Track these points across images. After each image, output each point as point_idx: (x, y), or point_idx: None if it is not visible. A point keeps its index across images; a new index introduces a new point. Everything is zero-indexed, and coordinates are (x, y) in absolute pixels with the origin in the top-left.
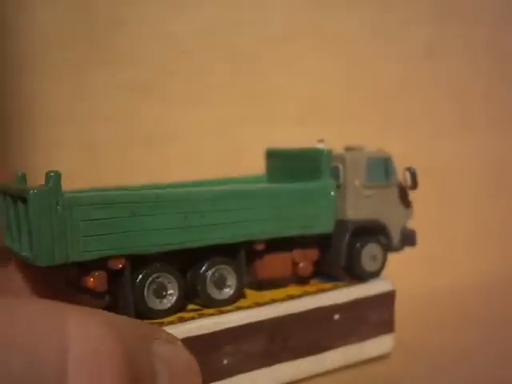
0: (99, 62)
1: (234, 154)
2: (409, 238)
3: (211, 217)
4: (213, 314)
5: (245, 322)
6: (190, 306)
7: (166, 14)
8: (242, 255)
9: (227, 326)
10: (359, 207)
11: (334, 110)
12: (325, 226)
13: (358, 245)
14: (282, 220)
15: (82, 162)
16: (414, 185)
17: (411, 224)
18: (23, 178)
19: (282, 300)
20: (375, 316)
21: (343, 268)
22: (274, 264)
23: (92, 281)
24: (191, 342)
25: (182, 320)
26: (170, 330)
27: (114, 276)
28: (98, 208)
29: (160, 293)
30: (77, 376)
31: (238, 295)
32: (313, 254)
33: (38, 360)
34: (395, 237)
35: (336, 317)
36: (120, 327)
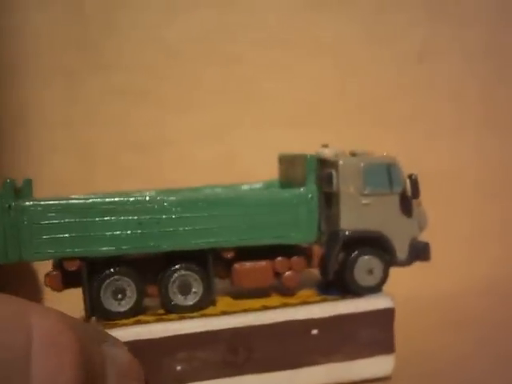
0: (93, 66)
1: (227, 158)
2: (420, 252)
3: (168, 224)
4: (172, 320)
5: (201, 329)
6: (159, 311)
7: (159, 18)
8: (209, 263)
9: (180, 332)
10: (355, 216)
11: (328, 114)
12: (304, 236)
13: (351, 257)
14: (252, 229)
15: (75, 167)
16: (416, 193)
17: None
18: (29, 184)
19: (252, 310)
20: (367, 334)
21: (332, 281)
22: (252, 273)
23: (48, 280)
24: (140, 345)
25: (138, 323)
26: (119, 331)
27: (73, 276)
28: (50, 213)
29: (117, 295)
30: (39, 364)
31: (206, 303)
32: (298, 263)
33: (4, 348)
34: (401, 250)
35: (314, 332)
36: (74, 326)
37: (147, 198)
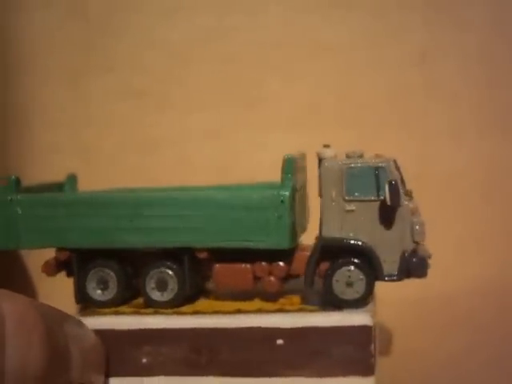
0: (94, 67)
1: (227, 159)
2: (413, 267)
3: (140, 221)
4: (146, 314)
5: (167, 326)
6: (139, 305)
7: (160, 20)
8: (184, 261)
9: (148, 326)
10: (337, 224)
11: (328, 116)
12: (275, 241)
13: (330, 267)
14: (220, 230)
15: (77, 167)
16: (393, 200)
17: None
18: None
19: (223, 313)
20: (340, 351)
21: (308, 291)
22: (231, 275)
23: (43, 266)
24: (112, 335)
25: (116, 313)
26: (96, 319)
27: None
28: (42, 207)
29: (100, 285)
30: (12, 343)
31: (180, 301)
32: (279, 269)
33: None
34: (390, 263)
35: (279, 342)
36: (39, 308)
37: (123, 196)
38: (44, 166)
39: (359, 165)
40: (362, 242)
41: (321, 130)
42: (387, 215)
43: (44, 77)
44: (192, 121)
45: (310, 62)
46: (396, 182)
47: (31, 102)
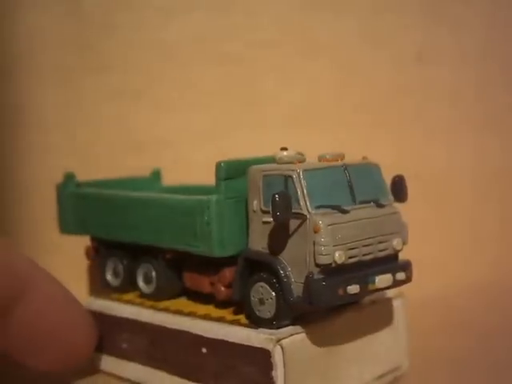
0: (90, 67)
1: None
2: (312, 294)
3: (123, 219)
4: (132, 304)
5: (135, 317)
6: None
7: (156, 20)
8: (159, 258)
9: (126, 315)
10: (257, 235)
11: (325, 116)
12: (206, 248)
13: (248, 282)
14: (163, 232)
15: (72, 167)
16: (274, 216)
17: None
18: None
19: (178, 313)
20: (246, 371)
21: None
22: (192, 277)
23: (85, 248)
24: (106, 319)
25: (118, 300)
26: (99, 302)
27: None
28: (81, 199)
29: (114, 272)
30: None
31: (160, 295)
32: (224, 277)
33: None
34: (299, 284)
35: (204, 350)
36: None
37: (118, 195)
38: (39, 165)
39: (273, 173)
40: (274, 258)
41: (317, 129)
42: (292, 231)
43: (38, 77)
44: (188, 120)
45: (307, 62)
46: (282, 196)
47: (26, 102)
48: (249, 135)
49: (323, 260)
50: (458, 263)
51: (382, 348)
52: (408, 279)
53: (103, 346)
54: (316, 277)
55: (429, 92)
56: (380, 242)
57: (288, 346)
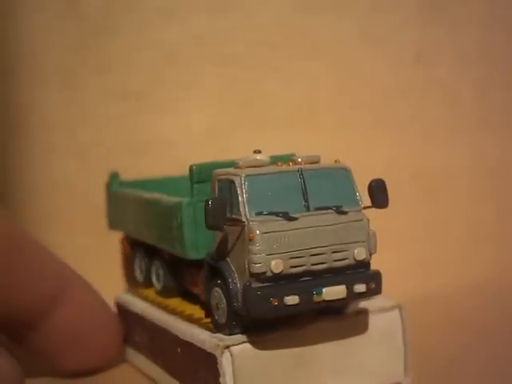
0: (91, 68)
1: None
2: (247, 303)
3: (134, 217)
4: (145, 300)
5: (140, 313)
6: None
7: (157, 21)
8: (162, 258)
9: (135, 310)
10: (216, 240)
11: (324, 116)
12: (180, 249)
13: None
14: (154, 231)
15: (73, 168)
16: (207, 222)
17: None
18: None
19: (171, 312)
20: (203, 375)
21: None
22: (185, 277)
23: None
24: (127, 313)
25: (136, 294)
26: (126, 297)
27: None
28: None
29: (140, 269)
30: None
31: (168, 292)
32: (201, 278)
33: None
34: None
35: (179, 350)
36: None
37: (129, 193)
38: (40, 167)
39: (223, 177)
40: (223, 264)
41: (317, 129)
42: (235, 238)
43: (41, 78)
44: (188, 121)
45: (307, 63)
46: (214, 202)
47: (28, 102)
48: (249, 135)
49: (256, 269)
50: (457, 261)
51: (374, 361)
52: (372, 292)
53: (126, 337)
54: (253, 285)
55: (427, 92)
56: (336, 252)
57: (239, 353)
